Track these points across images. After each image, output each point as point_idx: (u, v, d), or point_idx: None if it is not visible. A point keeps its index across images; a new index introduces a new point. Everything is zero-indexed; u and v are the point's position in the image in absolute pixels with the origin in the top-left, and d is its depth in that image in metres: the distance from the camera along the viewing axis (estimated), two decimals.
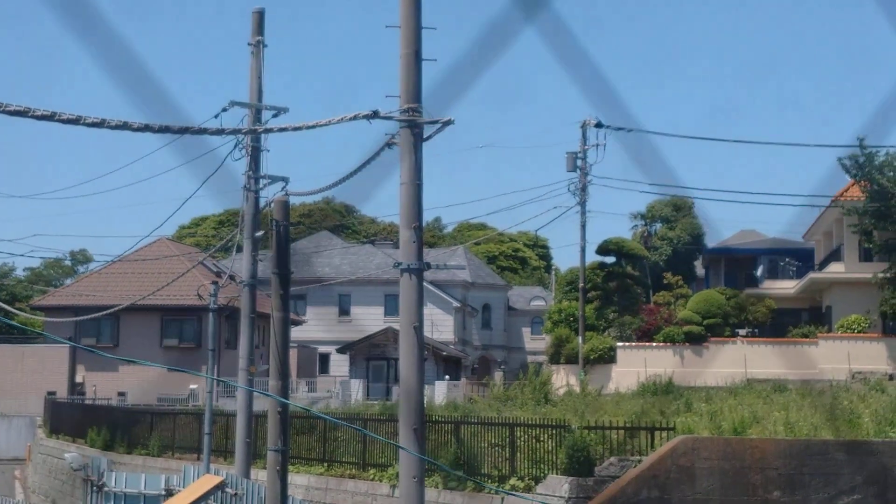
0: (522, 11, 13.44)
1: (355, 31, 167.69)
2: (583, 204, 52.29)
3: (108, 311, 43.96)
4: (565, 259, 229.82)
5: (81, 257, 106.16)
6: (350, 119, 14.37)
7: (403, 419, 16.49)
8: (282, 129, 15.61)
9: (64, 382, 62.95)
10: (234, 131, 18.00)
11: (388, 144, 16.43)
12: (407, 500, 16.55)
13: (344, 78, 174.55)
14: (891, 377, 44.01)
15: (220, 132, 13.99)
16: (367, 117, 14.60)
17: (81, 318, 49.46)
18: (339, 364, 74.87)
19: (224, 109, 27.02)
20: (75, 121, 10.82)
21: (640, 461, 23.70)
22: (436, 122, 15.57)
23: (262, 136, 26.95)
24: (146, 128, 11.67)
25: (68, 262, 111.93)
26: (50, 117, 10.58)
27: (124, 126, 11.36)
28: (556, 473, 24.51)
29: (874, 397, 31.81)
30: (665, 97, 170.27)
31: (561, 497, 23.57)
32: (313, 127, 14.09)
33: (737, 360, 48.94)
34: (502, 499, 25.45)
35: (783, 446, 23.42)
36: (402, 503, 16.73)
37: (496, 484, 26.03)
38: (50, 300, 67.95)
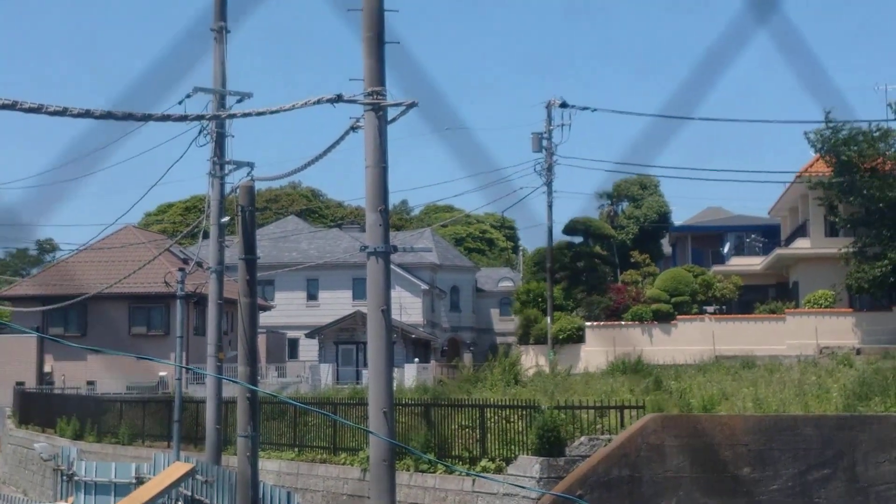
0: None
1: (319, 15, 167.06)
2: (549, 184, 52.36)
3: (75, 300, 43.72)
4: (532, 240, 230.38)
5: (48, 246, 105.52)
6: (314, 103, 14.30)
7: (373, 402, 16.46)
8: (245, 115, 15.52)
9: (32, 372, 62.57)
10: (198, 117, 17.87)
11: (353, 128, 16.37)
12: (378, 484, 16.54)
13: (308, 63, 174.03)
14: (858, 351, 44.30)
15: (183, 118, 13.89)
16: (330, 101, 14.52)
17: (48, 307, 49.13)
18: (309, 349, 74.74)
19: (188, 96, 26.84)
20: (36, 109, 10.72)
21: (610, 440, 23.81)
22: (400, 104, 15.52)
23: (227, 121, 26.79)
24: (109, 115, 11.57)
25: (34, 252, 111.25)
26: (37, 110, 10.48)
27: (87, 114, 11.26)
28: (527, 454, 24.59)
29: (842, 372, 32.05)
30: (630, 74, 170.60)
31: (532, 477, 23.64)
32: (277, 111, 14.01)
33: (705, 338, 49.17)
34: (473, 481, 25.50)
35: (752, 422, 23.56)
36: (373, 487, 16.71)
37: (467, 466, 26.08)
38: (16, 290, 67.41)
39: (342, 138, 16.74)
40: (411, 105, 15.37)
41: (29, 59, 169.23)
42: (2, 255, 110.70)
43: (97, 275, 58.93)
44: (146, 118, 12.49)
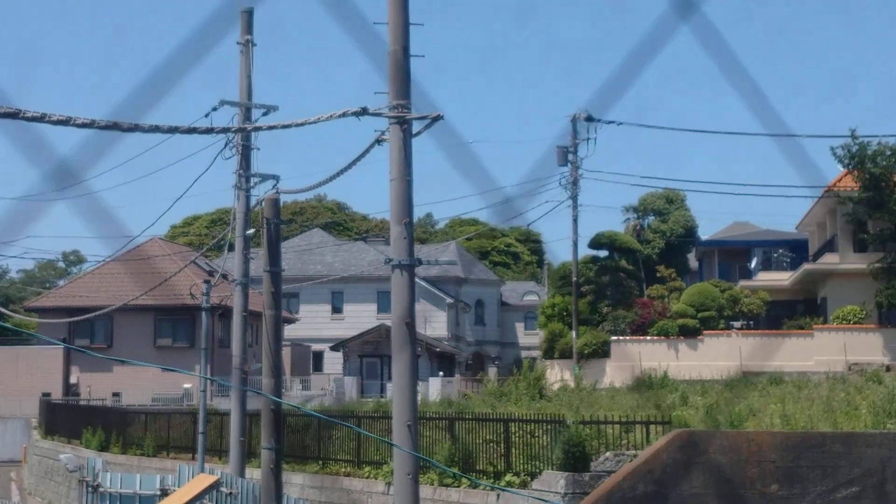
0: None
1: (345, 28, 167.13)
2: (574, 198, 52.27)
3: (102, 312, 43.82)
4: (558, 253, 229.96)
5: (74, 258, 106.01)
6: (339, 116, 14.24)
7: (397, 415, 16.39)
8: (271, 127, 15.49)
9: (59, 383, 62.81)
10: (224, 130, 17.86)
11: (378, 141, 16.32)
12: (402, 497, 16.45)
13: (334, 76, 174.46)
14: (888, 368, 43.95)
15: (209, 131, 13.84)
16: (356, 114, 14.47)
17: (75, 318, 49.28)
18: (333, 362, 74.76)
19: (214, 108, 26.93)
20: (65, 122, 10.69)
21: (635, 455, 23.63)
22: (424, 117, 15.45)
23: (252, 134, 26.85)
24: (136, 127, 11.54)
25: (61, 264, 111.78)
26: (40, 119, 10.45)
27: (114, 126, 11.24)
28: (552, 469, 24.44)
29: (871, 388, 31.79)
30: (661, 89, 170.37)
31: (557, 493, 23.50)
32: (302, 124, 13.96)
33: (732, 353, 48.90)
34: (497, 495, 25.37)
35: (780, 439, 23.34)
36: (397, 500, 16.63)
37: (491, 480, 25.96)
38: (44, 301, 67.71)
39: (367, 151, 16.69)
40: (437, 118, 15.30)
41: (49, 75, 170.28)
42: (30, 266, 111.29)
43: (123, 286, 59.12)
44: (172, 130, 12.45)
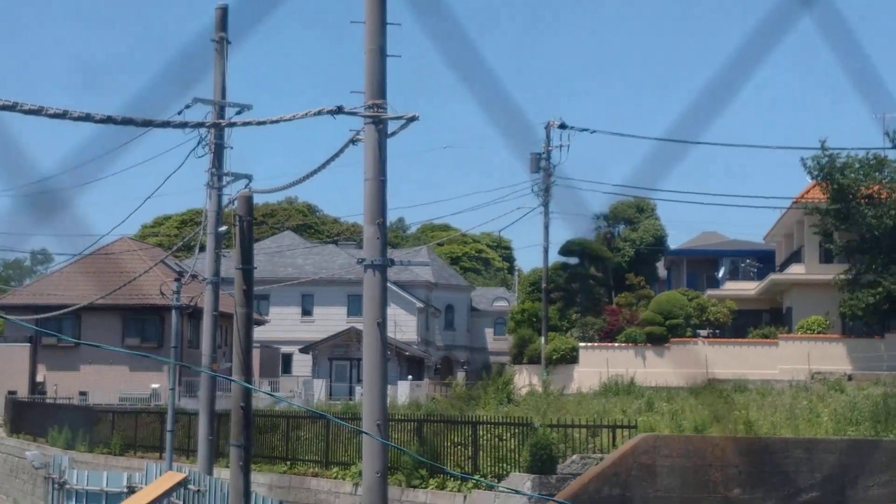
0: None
1: (321, 27, 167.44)
2: (546, 205, 52.49)
3: (69, 310, 43.75)
4: (528, 260, 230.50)
5: (42, 256, 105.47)
6: (315, 114, 14.39)
7: (367, 414, 16.53)
8: (246, 123, 15.64)
9: (25, 382, 62.57)
10: (198, 125, 18.03)
11: (353, 140, 16.47)
12: (370, 496, 16.58)
13: (309, 76, 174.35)
14: (850, 377, 44.35)
15: (183, 125, 14.01)
16: (331, 112, 14.62)
17: (42, 316, 49.12)
18: (302, 364, 74.77)
19: (187, 106, 26.93)
20: (37, 111, 10.81)
21: (601, 459, 23.86)
22: (400, 117, 15.62)
23: (226, 132, 26.89)
24: (108, 119, 11.65)
25: (27, 263, 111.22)
26: (38, 112, 10.57)
27: (87, 118, 11.35)
28: (519, 471, 24.61)
29: (833, 397, 32.15)
30: (626, 97, 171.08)
31: (523, 494, 23.67)
32: (278, 121, 14.11)
33: (698, 361, 49.19)
34: (465, 497, 25.53)
35: (743, 444, 23.63)
36: (365, 499, 16.76)
37: (459, 482, 26.10)
38: (10, 299, 67.38)
39: (342, 150, 16.85)
40: (412, 119, 15.47)
41: (26, 73, 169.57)
42: None
43: (91, 285, 58.94)
44: (146, 124, 12.58)
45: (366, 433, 15.98)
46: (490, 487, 24.42)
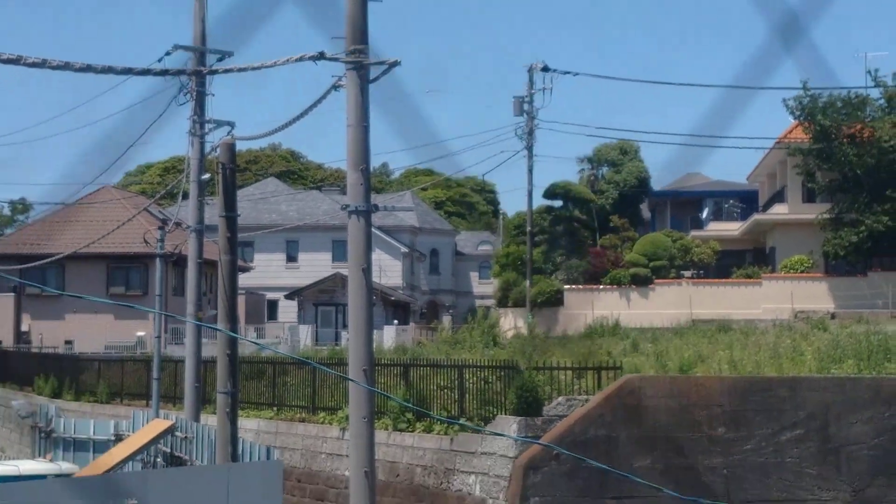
0: None
1: None
2: (530, 148, 52.49)
3: (53, 259, 43.67)
4: (512, 204, 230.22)
5: (20, 206, 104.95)
6: (296, 60, 14.35)
7: (353, 360, 16.58)
8: (227, 70, 15.59)
9: (10, 331, 62.50)
10: (179, 72, 17.95)
11: (335, 87, 16.41)
12: (357, 440, 16.67)
13: (292, 25, 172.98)
14: (833, 316, 44.64)
15: (164, 73, 13.95)
16: (312, 58, 14.56)
17: (26, 266, 49.02)
18: (288, 310, 74.88)
19: (168, 53, 26.82)
20: (15, 60, 10.75)
21: (587, 400, 23.98)
22: (382, 63, 15.56)
23: (207, 79, 26.77)
24: (88, 68, 11.62)
25: (6, 213, 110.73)
26: (41, 65, 10.52)
27: (66, 66, 11.31)
28: (505, 414, 24.74)
29: (816, 335, 32.29)
30: (611, 40, 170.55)
31: (510, 435, 23.81)
32: (259, 68, 14.07)
33: (682, 302, 49.42)
34: (451, 439, 25.68)
35: (728, 384, 23.76)
36: (352, 443, 16.84)
37: (445, 426, 26.24)
38: None
39: (324, 97, 16.80)
40: (394, 64, 15.41)
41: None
42: None
43: (75, 235, 58.77)
44: (126, 72, 12.54)
45: (352, 380, 16.04)
46: (476, 431, 24.56)
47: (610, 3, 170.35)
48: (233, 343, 19.42)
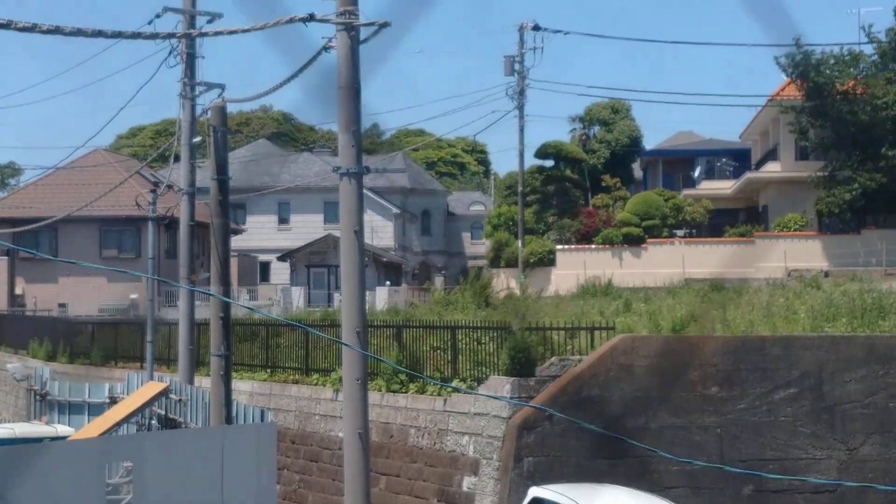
0: None
1: None
2: (521, 108, 52.38)
3: (46, 222, 43.60)
4: (504, 164, 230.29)
5: (10, 170, 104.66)
6: (286, 22, 14.24)
7: (346, 322, 16.58)
8: (217, 33, 15.48)
9: (3, 295, 62.52)
10: (169, 35, 17.85)
11: (325, 48, 16.32)
12: (350, 402, 16.70)
13: None
14: (826, 274, 44.66)
15: (154, 36, 13.86)
16: (302, 20, 14.45)
17: (18, 229, 48.96)
18: (280, 272, 74.89)
19: (157, 16, 26.72)
20: (5, 25, 10.67)
21: (580, 360, 24.01)
22: (372, 24, 15.47)
23: (198, 42, 26.65)
24: (79, 32, 11.53)
25: None
26: (31, 29, 10.43)
27: (56, 31, 11.22)
28: (499, 374, 24.76)
29: (810, 294, 32.32)
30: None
31: (503, 397, 23.85)
32: (249, 31, 13.97)
33: (675, 261, 49.44)
34: (445, 400, 25.71)
35: (721, 343, 23.80)
36: (346, 406, 16.87)
37: (438, 387, 26.26)
38: None
39: (314, 59, 16.68)
40: (384, 25, 15.32)
41: None
42: None
43: (67, 198, 58.66)
44: (116, 35, 12.44)
45: (345, 344, 16.04)
46: (469, 393, 24.60)
47: None
48: (226, 306, 19.41)
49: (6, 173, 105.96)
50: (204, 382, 28.12)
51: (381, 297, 55.63)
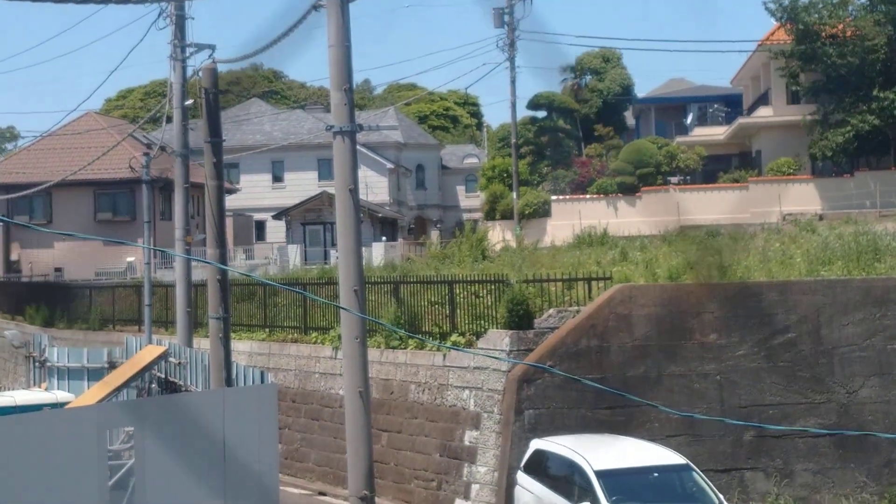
0: None
1: None
2: (511, 59, 52.17)
3: (40, 188, 43.48)
4: (497, 116, 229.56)
5: (8, 134, 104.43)
6: None
7: (343, 281, 16.61)
8: None
9: None
10: None
11: (315, 7, 16.25)
12: (350, 361, 16.75)
13: None
14: (821, 217, 44.69)
15: (142, 0, 13.73)
16: None
17: (12, 195, 48.85)
18: (276, 230, 74.83)
19: None
20: None
21: (578, 311, 24.07)
22: None
23: (187, 3, 26.50)
24: None
25: None
26: None
27: None
28: (497, 328, 24.84)
29: (805, 238, 32.36)
30: None
31: (502, 350, 23.93)
32: None
33: (670, 209, 49.35)
34: (444, 355, 25.79)
35: (718, 290, 23.86)
36: (345, 364, 16.93)
37: (438, 341, 26.34)
38: None
39: (304, 18, 16.64)
40: None
41: None
42: None
43: (61, 162, 58.53)
44: (104, 0, 12.35)
45: (343, 308, 16.07)
46: (464, 351, 24.69)
47: None
48: (223, 269, 19.40)
49: (5, 136, 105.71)
50: (203, 344, 28.18)
51: (377, 253, 55.62)
